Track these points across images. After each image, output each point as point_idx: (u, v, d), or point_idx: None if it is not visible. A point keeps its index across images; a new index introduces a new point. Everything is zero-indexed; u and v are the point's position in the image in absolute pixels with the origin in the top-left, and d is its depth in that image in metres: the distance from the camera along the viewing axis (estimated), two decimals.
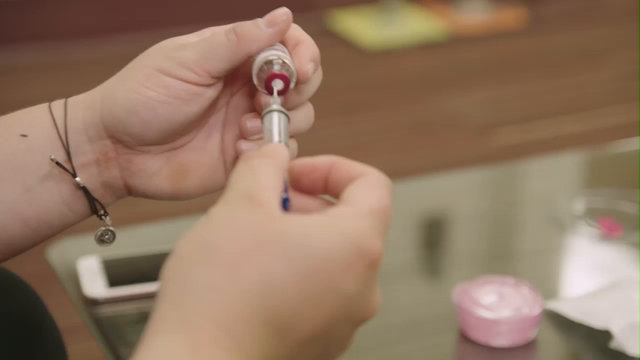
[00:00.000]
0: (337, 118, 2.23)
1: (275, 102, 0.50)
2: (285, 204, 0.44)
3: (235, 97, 0.54)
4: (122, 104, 0.51)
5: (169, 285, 0.39)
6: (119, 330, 0.74)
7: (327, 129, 2.18)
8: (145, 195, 0.53)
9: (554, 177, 1.04)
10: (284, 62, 0.51)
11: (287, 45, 0.52)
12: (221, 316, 0.38)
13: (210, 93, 0.51)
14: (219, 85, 0.52)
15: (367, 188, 0.43)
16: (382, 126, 2.22)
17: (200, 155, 0.53)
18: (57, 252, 0.82)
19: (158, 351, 0.37)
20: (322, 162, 0.44)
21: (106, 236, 0.55)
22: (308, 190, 0.45)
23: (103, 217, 0.54)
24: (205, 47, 0.50)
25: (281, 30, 0.51)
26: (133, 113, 0.50)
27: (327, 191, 0.45)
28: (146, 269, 0.79)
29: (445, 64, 2.58)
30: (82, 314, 0.76)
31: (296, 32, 0.52)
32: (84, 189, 0.52)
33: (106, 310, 0.76)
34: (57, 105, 0.53)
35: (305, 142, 2.21)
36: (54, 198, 0.52)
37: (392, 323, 0.78)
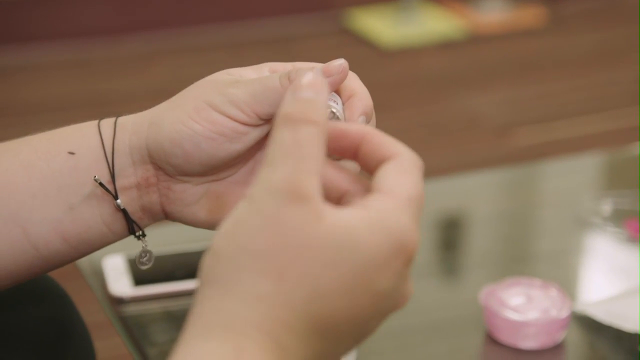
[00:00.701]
0: None
1: None
2: None
3: None
4: (167, 134, 0.51)
5: (210, 287, 0.38)
6: (145, 329, 0.74)
7: None
8: (181, 222, 0.54)
9: (575, 178, 1.04)
10: (333, 113, 0.51)
11: (342, 95, 0.52)
12: (266, 323, 0.37)
13: (256, 133, 0.51)
14: (267, 127, 0.51)
15: (403, 173, 0.42)
16: (401, 126, 2.22)
17: (240, 189, 0.54)
18: None
19: (198, 356, 0.37)
20: (354, 130, 0.43)
21: (144, 258, 0.56)
22: (335, 154, 0.44)
23: (141, 238, 0.54)
24: (257, 88, 0.50)
25: (335, 82, 0.50)
26: (177, 144, 0.51)
27: (356, 160, 0.44)
28: (172, 267, 0.79)
29: (464, 63, 2.57)
30: (107, 312, 0.76)
31: (352, 82, 0.52)
32: (124, 212, 0.52)
33: (132, 309, 0.76)
34: (106, 124, 0.53)
35: None
36: (95, 218, 0.52)
37: (416, 324, 0.78)
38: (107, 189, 0.52)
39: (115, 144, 0.52)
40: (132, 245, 0.80)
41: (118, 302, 0.76)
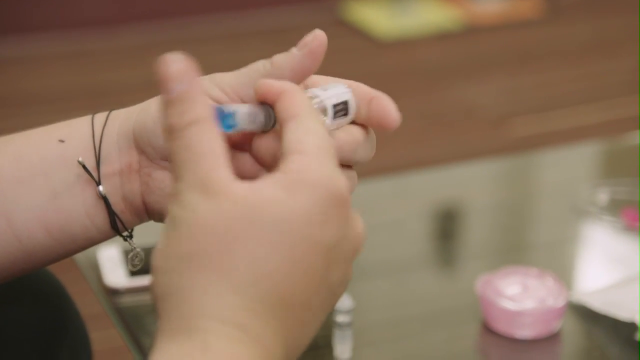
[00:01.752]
0: None
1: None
2: (227, 120, 0.44)
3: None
4: (152, 114, 0.51)
5: (163, 302, 0.40)
6: (140, 320, 0.74)
7: None
8: (160, 217, 0.52)
9: (572, 168, 1.04)
10: (318, 100, 0.50)
11: (361, 101, 0.51)
12: (223, 313, 0.38)
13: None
14: None
15: (304, 130, 0.43)
16: None
17: None
18: None
19: (168, 355, 0.38)
20: (275, 86, 0.45)
21: (135, 260, 0.55)
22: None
23: (128, 239, 0.53)
24: (243, 72, 0.50)
25: (313, 51, 0.50)
26: (158, 123, 0.50)
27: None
28: None
29: (461, 54, 2.57)
30: (103, 303, 0.76)
31: (366, 88, 0.52)
32: (105, 200, 0.51)
33: (127, 300, 0.76)
34: (102, 115, 0.53)
35: None
36: (77, 207, 0.51)
37: (412, 314, 0.78)
38: (89, 173, 0.51)
39: (105, 131, 0.52)
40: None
41: (113, 293, 0.76)
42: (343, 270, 0.42)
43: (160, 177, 0.52)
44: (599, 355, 0.74)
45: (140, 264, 0.55)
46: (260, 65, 0.50)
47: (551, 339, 0.73)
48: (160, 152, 0.51)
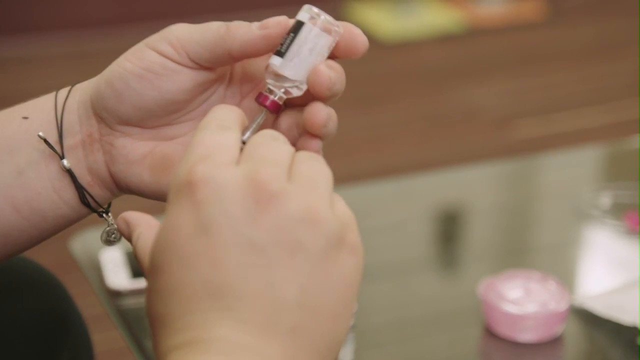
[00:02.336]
0: (354, 110, 2.22)
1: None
2: None
3: (245, 100, 0.52)
4: (105, 77, 0.50)
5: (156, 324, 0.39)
6: (143, 322, 0.74)
7: (345, 120, 2.16)
8: (129, 188, 0.51)
9: (574, 171, 1.04)
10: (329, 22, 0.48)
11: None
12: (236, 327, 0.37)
13: (190, 76, 0.49)
14: (205, 75, 0.49)
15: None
16: (400, 118, 2.21)
17: None
18: (80, 243, 0.82)
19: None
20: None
21: (112, 235, 0.53)
22: None
23: (104, 215, 0.52)
24: (195, 29, 0.49)
25: (270, 35, 0.48)
26: (109, 84, 0.49)
27: None
28: None
29: (464, 56, 2.57)
30: (105, 305, 0.76)
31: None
32: (69, 173, 0.50)
33: (129, 302, 0.76)
34: (64, 90, 0.52)
35: None
36: (44, 183, 0.50)
37: (415, 317, 0.78)
38: (51, 147, 0.50)
39: (67, 104, 0.51)
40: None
41: (115, 295, 0.76)
42: (343, 264, 0.39)
43: (122, 144, 0.50)
44: (601, 359, 0.74)
45: (117, 240, 0.53)
46: (215, 26, 0.49)
47: (553, 343, 0.73)
48: (115, 114, 0.50)
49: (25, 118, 0.51)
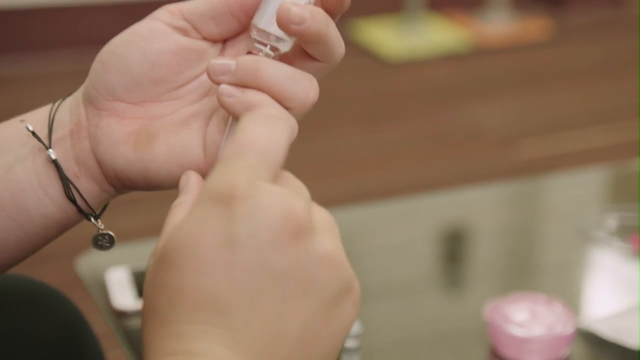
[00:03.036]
0: (359, 128, 2.23)
1: None
2: None
3: None
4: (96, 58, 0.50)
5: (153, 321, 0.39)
6: None
7: (350, 138, 2.18)
8: (115, 171, 0.49)
9: (580, 192, 1.04)
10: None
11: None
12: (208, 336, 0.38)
13: (175, 38, 0.48)
14: (191, 41, 0.49)
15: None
16: (405, 136, 2.22)
17: (176, 127, 0.49)
18: (86, 263, 0.82)
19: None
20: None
21: (103, 240, 0.52)
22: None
23: (92, 220, 0.50)
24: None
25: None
26: (97, 59, 0.49)
27: None
28: None
29: (469, 75, 2.57)
30: (111, 325, 0.76)
31: None
32: (54, 163, 0.49)
33: (135, 322, 0.76)
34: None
35: (328, 150, 2.22)
36: (30, 179, 0.49)
37: (420, 337, 0.78)
38: (37, 137, 0.49)
39: (62, 104, 0.50)
40: (135, 257, 0.80)
41: (121, 315, 0.76)
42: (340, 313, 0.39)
43: (107, 124, 0.49)
44: None
45: (108, 247, 0.52)
46: None
47: None
48: (102, 89, 0.49)
49: (22, 121, 0.51)
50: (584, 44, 2.78)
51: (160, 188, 0.50)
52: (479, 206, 1.00)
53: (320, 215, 0.40)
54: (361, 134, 2.21)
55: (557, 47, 2.75)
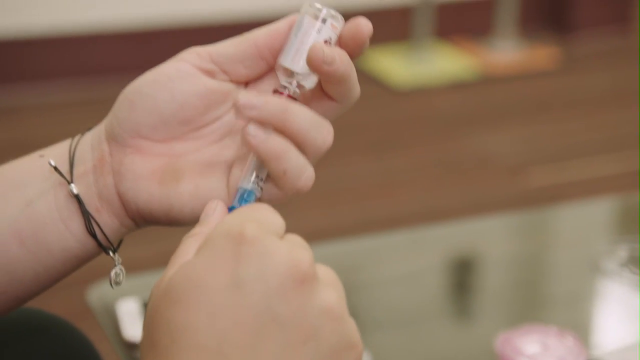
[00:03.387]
0: (367, 155, 2.23)
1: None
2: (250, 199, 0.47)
3: None
4: (120, 95, 0.51)
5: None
6: None
7: (358, 166, 2.18)
8: (137, 206, 0.49)
9: (590, 222, 1.04)
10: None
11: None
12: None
13: (203, 80, 0.49)
14: (219, 84, 0.50)
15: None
16: (413, 164, 2.22)
17: (200, 168, 0.50)
18: (97, 293, 0.82)
19: None
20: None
21: (119, 277, 0.52)
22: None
23: (111, 254, 0.51)
24: (226, 42, 0.50)
25: (287, 25, 0.50)
26: (123, 97, 0.50)
27: None
28: None
29: (477, 103, 2.58)
30: (121, 356, 0.76)
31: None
32: (76, 198, 0.49)
33: None
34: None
35: (336, 178, 2.22)
36: (51, 213, 0.50)
37: None
38: (59, 172, 0.50)
39: (82, 139, 0.51)
40: (146, 288, 0.80)
41: (131, 346, 0.76)
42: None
43: (131, 161, 0.49)
44: None
45: (122, 281, 0.53)
46: (239, 38, 0.50)
47: None
48: (128, 127, 0.49)
49: (42, 156, 0.51)
50: (591, 73, 2.79)
51: (181, 224, 0.50)
52: (488, 236, 1.00)
53: (325, 270, 0.41)
54: (369, 161, 2.21)
55: (564, 76, 2.76)
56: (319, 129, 0.47)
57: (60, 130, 2.35)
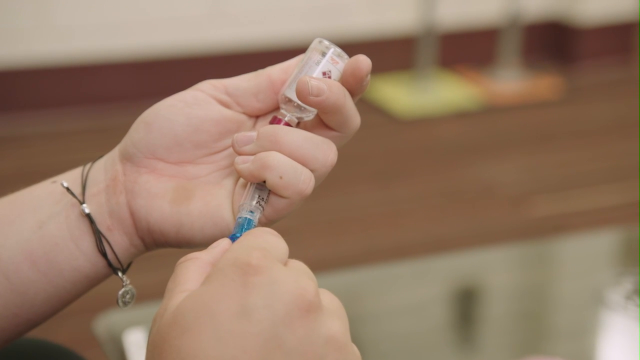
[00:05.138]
0: (371, 185, 2.24)
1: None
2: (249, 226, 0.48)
3: None
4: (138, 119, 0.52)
5: None
6: None
7: (361, 195, 2.18)
8: (148, 224, 0.51)
9: (594, 254, 1.04)
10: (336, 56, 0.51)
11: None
12: None
13: (218, 107, 0.51)
14: (233, 114, 0.52)
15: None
16: (417, 194, 2.22)
17: (211, 187, 0.52)
18: (103, 323, 0.82)
19: None
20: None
21: (127, 296, 0.53)
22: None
23: (119, 272, 0.52)
24: (246, 76, 0.52)
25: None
26: (140, 119, 0.52)
27: None
28: None
29: (480, 132, 2.59)
30: None
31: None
32: (88, 217, 0.51)
33: None
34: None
35: (340, 207, 2.22)
36: (62, 233, 0.51)
37: None
38: (71, 193, 0.51)
39: (95, 164, 0.53)
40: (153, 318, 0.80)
41: None
42: None
43: (145, 180, 0.51)
44: None
45: (131, 301, 0.53)
46: (258, 72, 0.52)
47: None
48: (144, 147, 0.51)
49: (54, 182, 0.53)
50: (594, 103, 2.80)
51: (188, 244, 0.51)
52: (493, 267, 1.00)
53: (330, 298, 0.42)
54: (372, 190, 2.22)
55: (567, 106, 2.77)
56: (318, 146, 0.49)
57: (68, 158, 2.36)
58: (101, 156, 0.54)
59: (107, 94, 2.62)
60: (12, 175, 2.26)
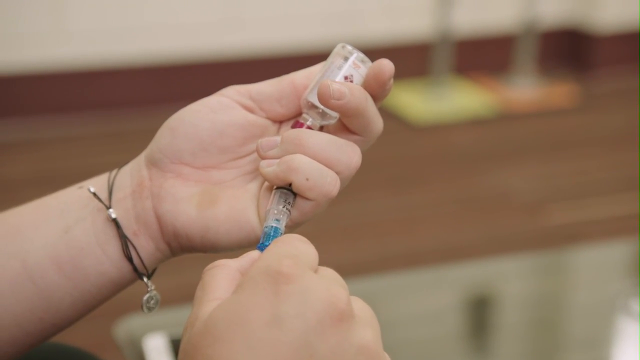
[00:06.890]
0: (386, 191, 2.24)
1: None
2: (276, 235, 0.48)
3: None
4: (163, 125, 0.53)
5: None
6: None
7: (376, 202, 2.19)
8: (175, 228, 0.51)
9: (610, 263, 1.03)
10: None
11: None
12: None
13: (243, 113, 0.52)
14: (257, 119, 0.52)
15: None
16: (432, 201, 2.22)
17: (236, 191, 0.52)
18: (124, 328, 0.83)
19: None
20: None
21: (152, 302, 0.54)
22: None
23: (143, 277, 0.52)
24: (268, 82, 0.53)
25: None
26: (165, 125, 0.52)
27: None
28: None
29: (496, 140, 2.58)
30: None
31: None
32: (114, 222, 0.51)
33: None
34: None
35: (354, 214, 2.22)
36: (89, 238, 0.51)
37: None
38: (98, 198, 0.52)
39: (121, 169, 0.53)
40: (174, 323, 0.81)
41: None
42: None
43: (171, 184, 0.52)
44: None
45: (155, 307, 0.54)
46: (280, 79, 0.52)
47: None
48: (169, 153, 0.51)
49: (80, 187, 0.53)
50: (610, 111, 2.79)
51: (215, 248, 0.52)
52: (508, 276, 1.01)
53: (361, 306, 0.42)
54: (387, 197, 2.22)
55: (583, 114, 2.76)
56: (341, 148, 0.49)
57: (83, 162, 2.38)
58: (127, 163, 0.54)
59: (122, 99, 2.63)
60: (27, 179, 2.27)
